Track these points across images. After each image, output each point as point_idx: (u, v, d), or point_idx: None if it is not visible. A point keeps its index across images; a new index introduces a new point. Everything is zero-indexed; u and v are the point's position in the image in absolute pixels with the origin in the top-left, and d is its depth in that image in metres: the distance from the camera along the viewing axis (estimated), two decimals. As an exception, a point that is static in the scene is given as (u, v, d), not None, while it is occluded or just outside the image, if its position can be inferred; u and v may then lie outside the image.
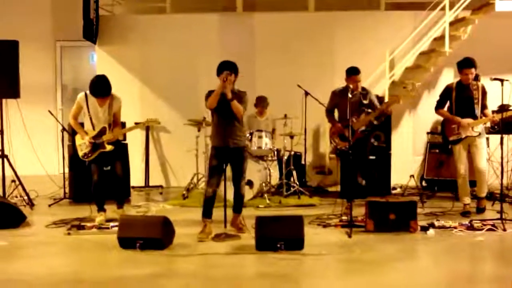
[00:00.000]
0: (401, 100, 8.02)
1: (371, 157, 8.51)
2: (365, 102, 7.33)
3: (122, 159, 7.30)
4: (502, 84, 6.81)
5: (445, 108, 7.51)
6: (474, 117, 7.26)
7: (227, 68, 6.28)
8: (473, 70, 7.19)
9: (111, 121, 7.00)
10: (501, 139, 6.91)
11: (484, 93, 7.31)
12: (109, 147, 6.97)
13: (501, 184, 7.06)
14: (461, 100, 7.31)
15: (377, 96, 8.91)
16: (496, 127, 7.72)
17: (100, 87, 6.81)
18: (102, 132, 6.96)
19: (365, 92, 7.39)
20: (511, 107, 8.16)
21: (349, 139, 6.85)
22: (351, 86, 7.15)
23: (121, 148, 7.34)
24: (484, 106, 7.34)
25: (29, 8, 11.29)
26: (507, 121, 7.53)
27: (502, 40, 9.72)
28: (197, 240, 6.24)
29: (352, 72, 7.32)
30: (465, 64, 7.21)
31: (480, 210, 7.45)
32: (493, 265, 5.61)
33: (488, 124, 8.02)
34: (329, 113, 7.65)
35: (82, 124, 7.11)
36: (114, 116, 7.04)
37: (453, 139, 7.37)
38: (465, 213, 7.36)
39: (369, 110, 7.44)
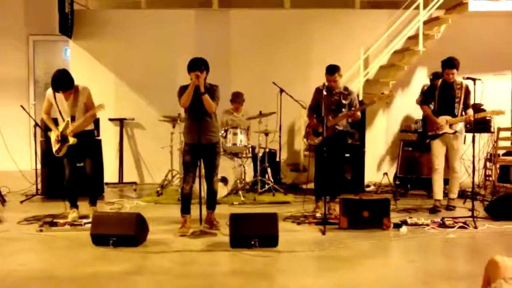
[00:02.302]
0: (376, 102, 8.05)
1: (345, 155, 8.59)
2: (344, 102, 7.29)
3: (93, 156, 7.16)
4: (474, 83, 6.91)
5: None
6: (453, 115, 7.40)
7: (198, 65, 6.24)
8: (454, 70, 7.32)
9: (75, 113, 6.84)
10: (473, 137, 7.01)
11: (467, 92, 7.41)
12: (72, 140, 6.80)
13: (473, 182, 7.16)
14: (443, 97, 7.47)
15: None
16: (468, 125, 7.83)
17: (61, 81, 6.71)
18: (67, 125, 6.88)
19: (346, 93, 7.28)
20: (483, 106, 8.29)
21: (323, 134, 6.88)
22: (326, 83, 7.18)
23: (92, 144, 7.21)
24: (466, 106, 7.46)
25: (2, 2, 11.11)
26: (479, 120, 7.64)
27: (475, 39, 9.83)
28: (178, 235, 6.27)
29: (327, 71, 7.26)
30: (446, 64, 7.36)
31: (450, 208, 7.61)
32: (464, 262, 5.69)
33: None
34: (310, 109, 7.58)
35: (55, 120, 7.03)
36: (86, 106, 6.91)
37: (431, 134, 7.54)
38: (434, 210, 7.48)
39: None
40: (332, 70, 7.23)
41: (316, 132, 7.37)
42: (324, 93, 6.98)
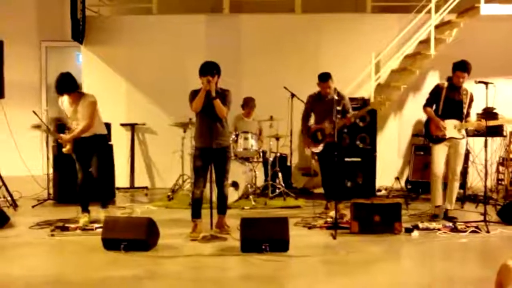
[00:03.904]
0: (371, 107, 8.06)
1: (355, 159, 8.63)
2: (338, 108, 7.34)
3: (100, 158, 7.12)
4: (486, 87, 6.82)
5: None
6: (460, 120, 7.24)
7: (210, 69, 6.26)
8: (465, 74, 7.09)
9: (76, 119, 6.91)
10: (485, 141, 6.95)
11: (471, 100, 7.27)
12: (64, 150, 6.95)
13: (485, 186, 7.11)
14: (450, 101, 7.24)
15: (363, 98, 8.93)
16: (478, 131, 7.75)
17: (61, 84, 6.77)
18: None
19: (339, 99, 7.38)
20: (496, 110, 8.24)
21: (334, 138, 6.90)
22: (327, 90, 7.31)
23: (101, 148, 7.21)
24: (467, 114, 7.30)
25: (15, 8, 11.21)
26: (491, 124, 7.56)
27: (487, 43, 9.78)
28: (189, 239, 6.27)
29: (320, 79, 7.43)
30: (459, 67, 7.12)
31: (453, 220, 7.14)
32: (476, 267, 5.64)
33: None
34: (304, 119, 7.71)
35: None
36: (83, 113, 6.90)
37: (437, 135, 7.23)
38: (435, 216, 7.26)
39: (338, 116, 7.43)
40: (325, 77, 7.39)
41: (316, 140, 7.45)
42: (336, 98, 7.02)
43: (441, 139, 7.25)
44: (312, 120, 7.74)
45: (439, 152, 7.27)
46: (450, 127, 7.22)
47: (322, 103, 7.36)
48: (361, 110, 7.93)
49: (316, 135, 7.49)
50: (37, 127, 7.09)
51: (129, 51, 10.29)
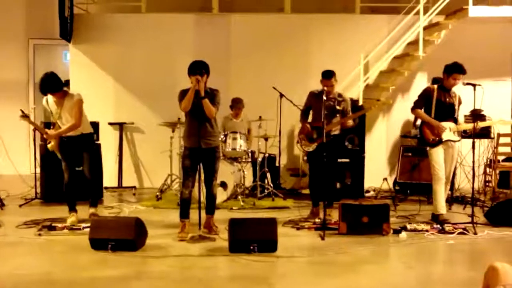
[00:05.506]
0: (372, 109, 8.04)
1: (344, 160, 8.61)
2: (338, 108, 7.34)
3: (91, 159, 7.14)
4: (474, 89, 6.82)
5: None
6: (455, 122, 7.24)
7: (199, 68, 6.23)
8: (461, 76, 7.08)
9: (61, 118, 6.91)
10: (473, 143, 6.96)
11: (460, 103, 7.29)
12: (49, 146, 6.98)
13: (473, 188, 7.13)
14: (442, 104, 7.20)
15: (351, 99, 8.93)
16: (467, 131, 7.77)
17: (44, 83, 6.79)
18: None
19: (340, 99, 7.34)
20: (483, 112, 8.27)
21: (323, 139, 6.88)
22: (325, 88, 7.18)
23: (91, 147, 7.19)
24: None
25: (2, 6, 11.12)
26: (483, 125, 7.58)
27: (475, 44, 9.82)
28: (177, 239, 6.25)
29: (323, 76, 7.32)
30: (456, 69, 7.07)
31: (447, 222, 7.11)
32: (464, 269, 5.66)
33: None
34: (303, 113, 7.65)
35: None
36: (70, 113, 6.89)
37: (434, 138, 7.17)
38: (441, 223, 7.02)
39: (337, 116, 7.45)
40: (329, 74, 7.27)
41: (311, 139, 7.41)
42: (324, 98, 6.98)
43: (438, 142, 7.20)
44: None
45: (439, 155, 7.20)
46: (446, 129, 7.21)
47: (321, 102, 7.04)
48: (358, 112, 7.88)
49: (311, 133, 7.44)
50: (25, 117, 7.08)
51: (118, 49, 10.24)
